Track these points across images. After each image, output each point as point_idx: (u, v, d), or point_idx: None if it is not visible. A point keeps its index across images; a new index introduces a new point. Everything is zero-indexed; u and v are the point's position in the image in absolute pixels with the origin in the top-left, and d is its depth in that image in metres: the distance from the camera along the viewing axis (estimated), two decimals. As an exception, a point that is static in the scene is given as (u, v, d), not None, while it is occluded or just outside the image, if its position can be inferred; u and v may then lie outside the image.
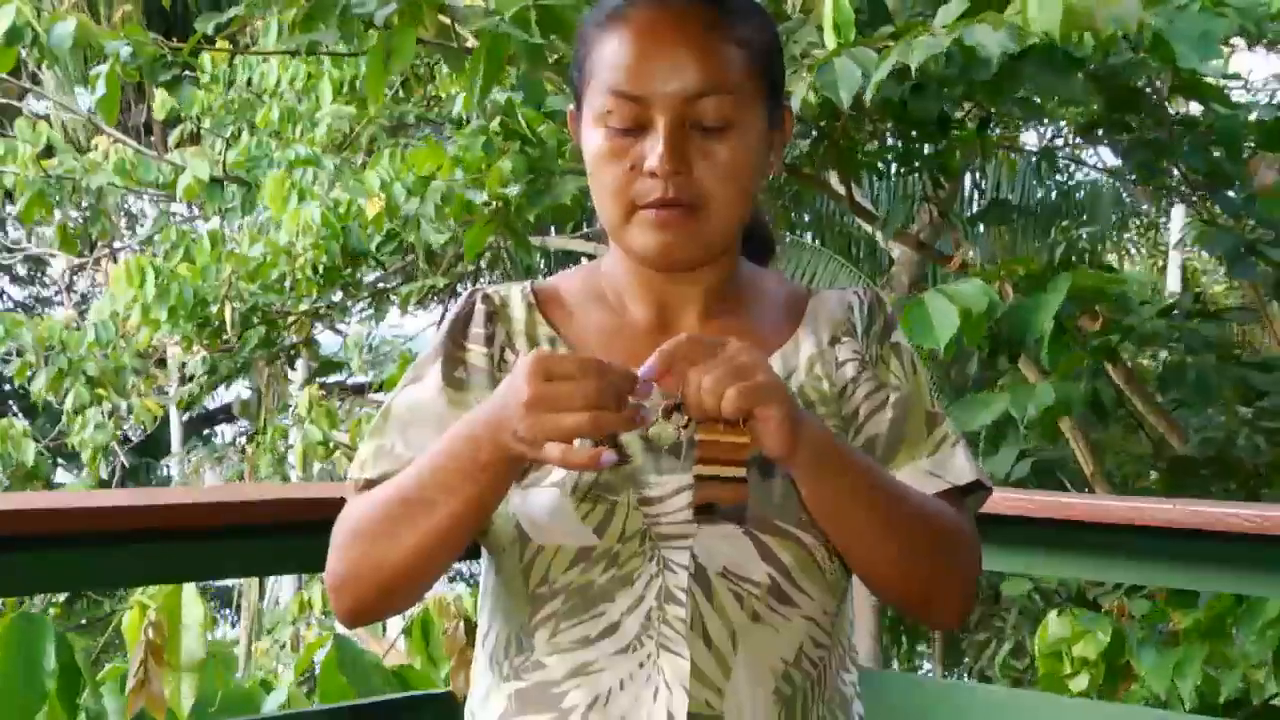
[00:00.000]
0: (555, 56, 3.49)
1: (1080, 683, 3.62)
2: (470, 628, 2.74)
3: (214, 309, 6.69)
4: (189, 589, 2.65)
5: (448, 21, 3.39)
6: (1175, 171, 3.93)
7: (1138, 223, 10.95)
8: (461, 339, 1.38)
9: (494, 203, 4.43)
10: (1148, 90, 3.74)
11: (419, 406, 1.36)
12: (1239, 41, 3.84)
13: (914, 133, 3.78)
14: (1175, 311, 4.34)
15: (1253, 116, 3.61)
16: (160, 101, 7.03)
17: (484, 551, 1.40)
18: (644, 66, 1.29)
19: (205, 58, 6.65)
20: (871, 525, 1.28)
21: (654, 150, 1.28)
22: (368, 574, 1.30)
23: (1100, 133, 3.79)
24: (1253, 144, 3.49)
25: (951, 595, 1.36)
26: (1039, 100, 3.74)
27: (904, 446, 1.37)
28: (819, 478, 1.25)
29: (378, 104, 5.90)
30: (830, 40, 2.99)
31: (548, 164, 4.31)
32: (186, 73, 4.38)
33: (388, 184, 5.56)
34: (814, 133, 3.78)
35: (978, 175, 8.59)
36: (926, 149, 3.92)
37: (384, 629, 8.47)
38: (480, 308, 1.39)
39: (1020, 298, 3.43)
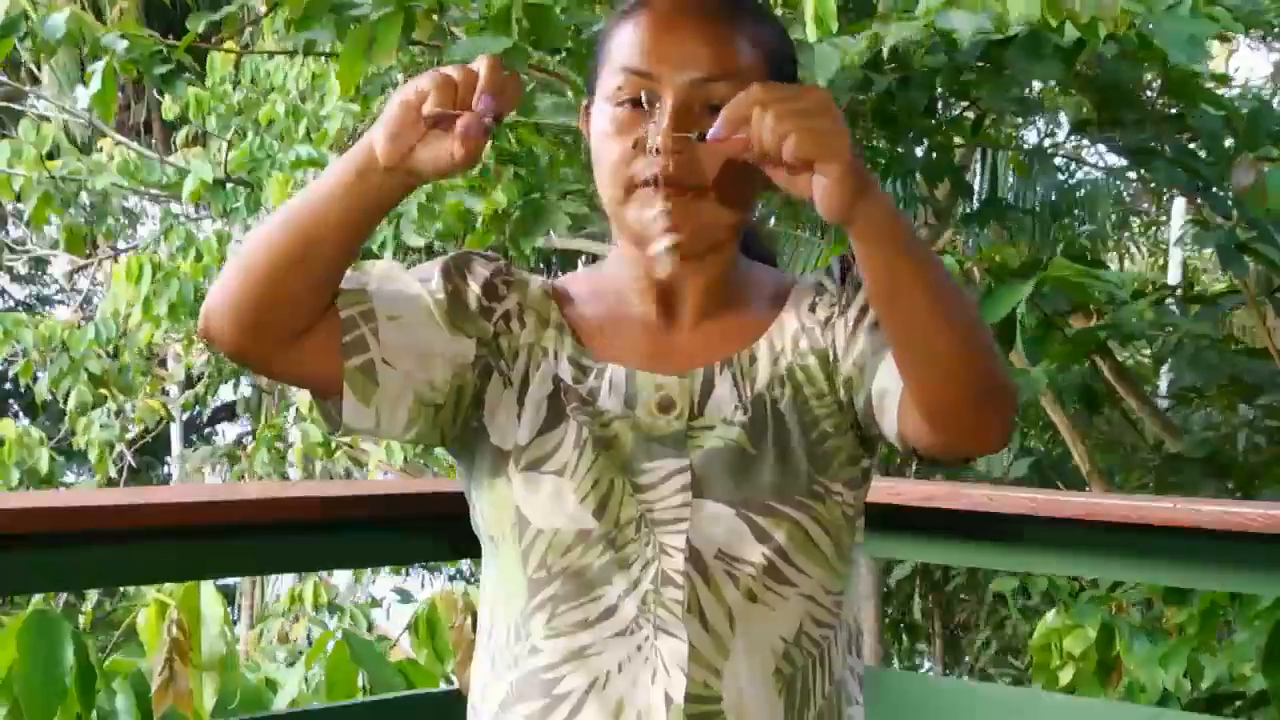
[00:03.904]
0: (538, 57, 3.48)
1: (1067, 675, 3.63)
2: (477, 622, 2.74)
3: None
4: (207, 585, 2.66)
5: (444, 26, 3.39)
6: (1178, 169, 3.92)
7: (1138, 220, 10.92)
8: (465, 270, 1.38)
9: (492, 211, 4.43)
10: (1139, 90, 3.74)
11: (397, 270, 1.37)
12: (1238, 39, 3.83)
13: (908, 134, 3.78)
14: (1170, 300, 4.34)
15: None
16: (168, 104, 7.04)
17: (484, 548, 1.41)
18: (658, 48, 1.32)
19: (213, 59, 6.64)
20: (929, 310, 1.21)
21: (658, 127, 1.30)
22: (245, 276, 1.26)
23: (1093, 132, 3.78)
24: (1234, 143, 3.48)
25: (1001, 404, 1.27)
26: (1030, 96, 3.73)
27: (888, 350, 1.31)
28: (877, 250, 1.20)
29: (346, 94, 5.85)
30: (812, 33, 3.00)
31: (541, 183, 4.31)
32: (186, 72, 4.36)
33: None
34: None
35: (980, 176, 8.55)
36: (918, 152, 3.92)
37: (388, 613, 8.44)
38: (499, 265, 1.40)
39: (991, 284, 3.41)
